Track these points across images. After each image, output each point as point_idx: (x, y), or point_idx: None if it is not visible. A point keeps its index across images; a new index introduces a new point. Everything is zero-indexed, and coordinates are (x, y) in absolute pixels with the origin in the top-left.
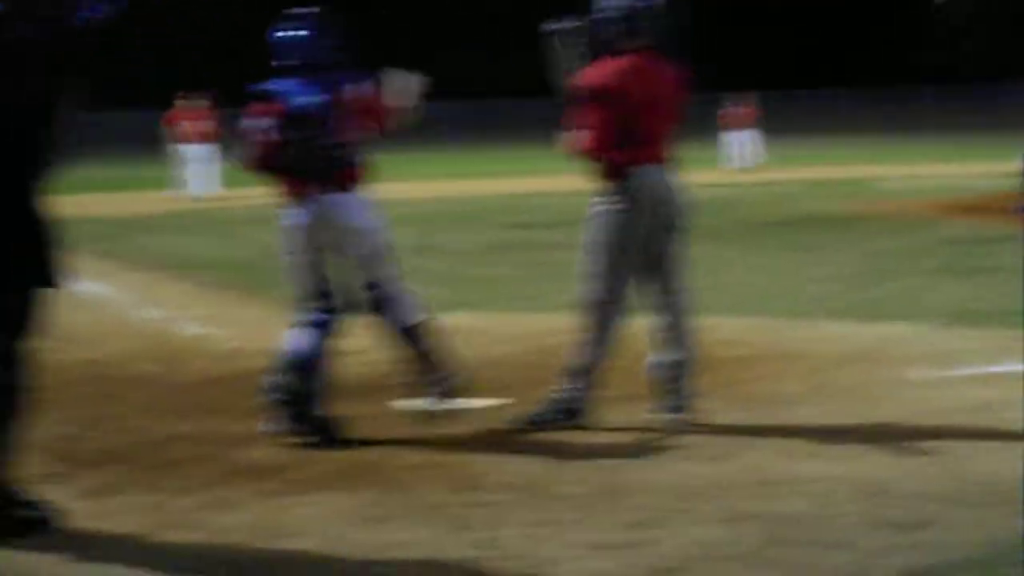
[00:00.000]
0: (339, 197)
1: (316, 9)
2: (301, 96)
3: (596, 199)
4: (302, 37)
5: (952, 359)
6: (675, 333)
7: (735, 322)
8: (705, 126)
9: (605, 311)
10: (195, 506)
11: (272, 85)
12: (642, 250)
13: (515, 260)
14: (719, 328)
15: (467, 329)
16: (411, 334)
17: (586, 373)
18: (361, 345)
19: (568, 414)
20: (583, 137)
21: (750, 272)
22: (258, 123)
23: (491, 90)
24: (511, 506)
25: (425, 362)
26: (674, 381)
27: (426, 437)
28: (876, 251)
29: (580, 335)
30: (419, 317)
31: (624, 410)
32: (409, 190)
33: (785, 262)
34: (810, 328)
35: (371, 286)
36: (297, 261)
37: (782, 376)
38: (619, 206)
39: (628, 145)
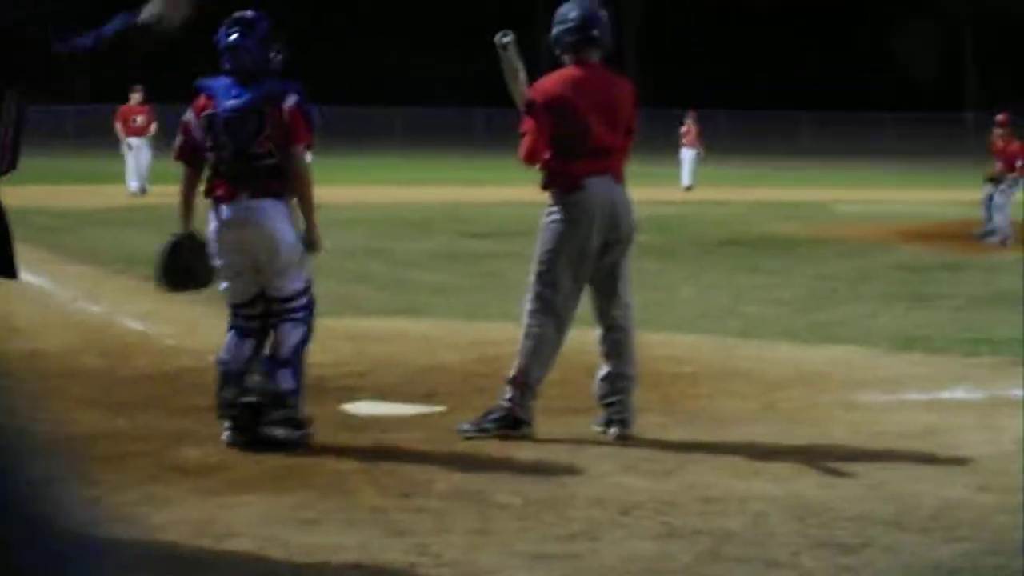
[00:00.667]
0: (261, 203)
1: (258, 13)
2: (231, 100)
3: (546, 210)
4: (239, 41)
5: (900, 384)
6: (620, 347)
7: (684, 339)
8: (667, 143)
9: (550, 322)
10: (132, 502)
11: (210, 83)
12: (589, 262)
13: (461, 269)
14: (668, 344)
15: (411, 335)
16: (291, 362)
17: (529, 384)
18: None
19: (511, 424)
20: (526, 145)
21: (701, 290)
22: (190, 118)
23: (445, 97)
24: (450, 513)
25: (284, 394)
26: (618, 394)
27: (366, 441)
28: (828, 274)
29: (524, 345)
30: (303, 350)
31: (567, 422)
32: (360, 194)
33: (737, 282)
34: (759, 348)
35: (280, 300)
36: (224, 265)
37: (729, 395)
38: (568, 217)
39: (578, 156)
